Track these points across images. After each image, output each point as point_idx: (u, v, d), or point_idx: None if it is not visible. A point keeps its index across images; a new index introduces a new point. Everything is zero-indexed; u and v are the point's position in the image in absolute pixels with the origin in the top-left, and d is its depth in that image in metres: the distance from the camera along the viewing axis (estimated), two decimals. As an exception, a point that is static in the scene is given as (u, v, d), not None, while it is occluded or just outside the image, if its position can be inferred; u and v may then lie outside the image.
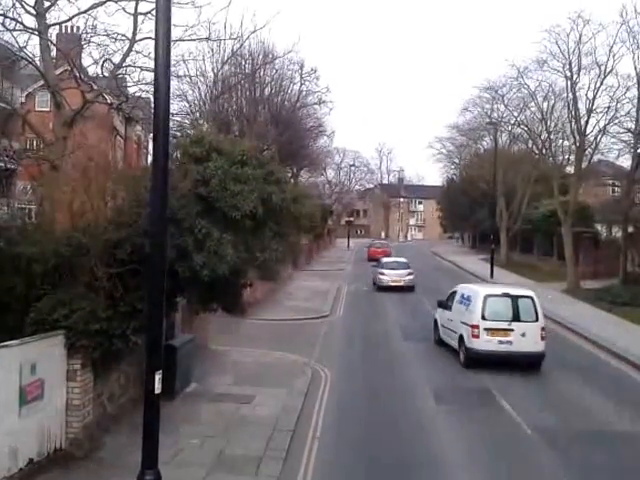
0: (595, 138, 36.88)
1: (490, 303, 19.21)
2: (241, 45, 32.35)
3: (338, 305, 31.78)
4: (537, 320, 18.93)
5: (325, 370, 18.99)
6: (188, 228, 11.77)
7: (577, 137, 35.96)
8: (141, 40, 21.90)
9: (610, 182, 54.35)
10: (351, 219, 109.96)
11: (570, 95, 36.38)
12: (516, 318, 18.79)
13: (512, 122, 42.93)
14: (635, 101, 34.46)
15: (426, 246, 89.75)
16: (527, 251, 54.38)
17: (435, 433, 13.51)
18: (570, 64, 36.11)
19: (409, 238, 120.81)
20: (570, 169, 58.43)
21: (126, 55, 21.73)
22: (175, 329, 16.63)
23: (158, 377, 7.01)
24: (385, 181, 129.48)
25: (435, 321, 22.71)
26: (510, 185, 51.88)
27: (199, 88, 34.81)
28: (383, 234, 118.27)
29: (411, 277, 37.16)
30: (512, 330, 18.65)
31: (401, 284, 36.39)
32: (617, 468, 11.66)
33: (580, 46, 35.61)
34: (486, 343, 18.63)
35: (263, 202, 13.24)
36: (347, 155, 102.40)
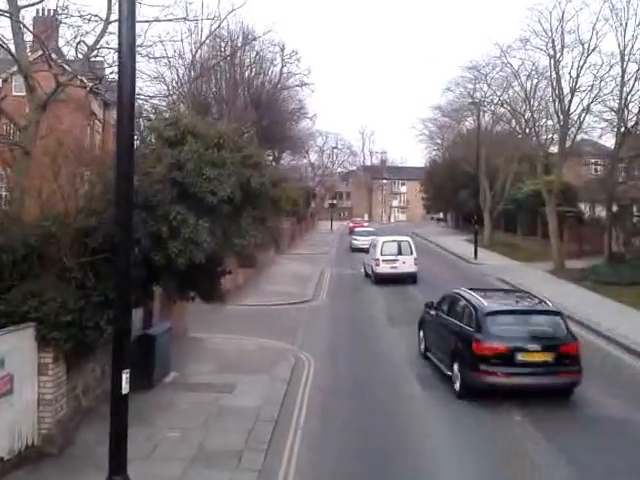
0: (579, 117, 36.66)
1: (385, 245, 33.23)
2: (219, 25, 31.73)
3: (320, 289, 31.43)
4: (412, 254, 32.87)
5: (308, 356, 18.68)
6: (162, 215, 11.34)
7: (561, 116, 35.65)
8: (115, 21, 21.27)
9: (593, 161, 54.61)
10: (334, 202, 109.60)
11: (554, 74, 36.05)
12: (399, 253, 32.88)
13: (495, 102, 42.51)
14: (618, 79, 34.19)
15: (409, 227, 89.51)
16: (510, 231, 54.28)
17: (416, 417, 13.25)
18: (553, 42, 35.76)
19: (392, 220, 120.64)
20: (553, 149, 58.65)
21: (100, 36, 20.99)
22: (153, 317, 16.23)
23: (125, 377, 6.63)
24: (368, 163, 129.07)
25: (363, 264, 36.48)
26: (493, 166, 51.70)
27: (177, 70, 34.25)
28: (366, 216, 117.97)
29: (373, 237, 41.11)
30: (397, 260, 32.65)
31: (367, 246, 40.23)
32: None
33: (563, 24, 35.30)
34: (383, 268, 32.45)
35: (241, 187, 12.84)
36: (329, 137, 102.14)
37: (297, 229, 61.67)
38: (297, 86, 51.94)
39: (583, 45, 34.99)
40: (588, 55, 35.17)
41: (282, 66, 49.96)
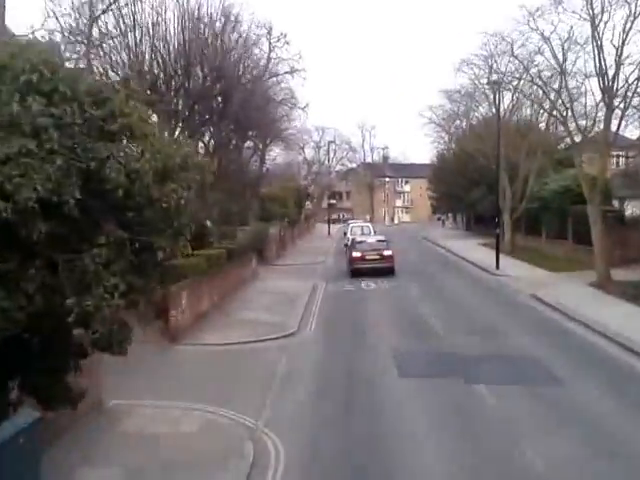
0: (624, 97, 29.41)
1: (353, 228, 49.76)
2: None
3: (310, 315, 24.46)
4: (366, 230, 48.51)
5: (276, 443, 11.95)
6: None
7: (604, 95, 28.52)
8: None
9: (614, 154, 49.17)
10: (333, 202, 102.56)
11: (594, 42, 28.92)
12: (364, 234, 45.46)
13: (521, 77, 35.05)
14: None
15: (415, 230, 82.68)
16: (533, 234, 47.21)
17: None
18: (591, 3, 28.72)
19: (396, 221, 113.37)
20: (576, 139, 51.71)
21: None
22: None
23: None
24: (369, 160, 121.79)
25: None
26: (512, 160, 44.59)
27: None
28: (368, 217, 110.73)
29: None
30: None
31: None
32: None
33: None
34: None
35: (86, 180, 5.92)
36: (326, 133, 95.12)
37: (288, 234, 54.76)
38: (287, 73, 45.19)
39: (630, 5, 27.97)
40: (635, 19, 28.16)
41: (270, 50, 43.57)
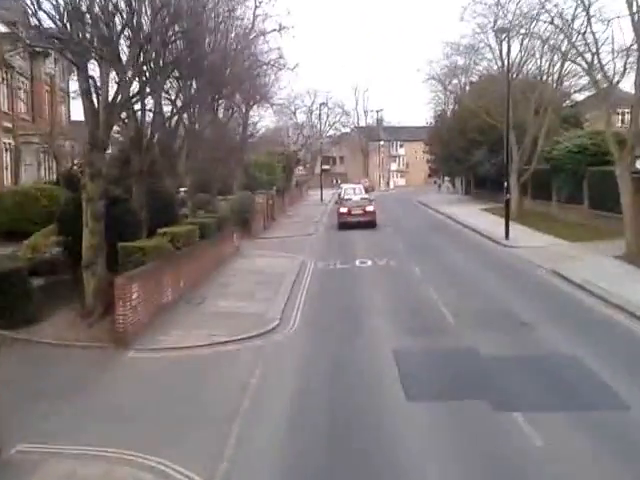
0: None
1: (346, 189, 54.75)
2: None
3: (295, 302, 20.61)
4: (358, 192, 50.75)
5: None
6: None
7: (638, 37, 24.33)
8: None
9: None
10: (326, 167, 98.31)
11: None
12: (355, 195, 48.17)
13: (534, 18, 30.62)
14: None
15: (411, 194, 78.79)
16: (541, 197, 43.40)
17: None
18: None
19: (391, 186, 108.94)
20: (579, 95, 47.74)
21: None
22: None
23: None
24: (362, 124, 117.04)
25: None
26: (520, 118, 40.45)
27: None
28: (367, 181, 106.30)
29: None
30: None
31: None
32: None
33: None
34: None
35: None
36: (318, 96, 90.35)
37: (278, 203, 50.77)
38: (274, 30, 40.73)
39: None
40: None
41: (255, 6, 39.19)
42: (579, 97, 49.34)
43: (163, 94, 24.28)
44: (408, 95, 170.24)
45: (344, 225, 40.80)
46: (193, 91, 25.89)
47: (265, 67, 42.62)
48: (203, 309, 19.69)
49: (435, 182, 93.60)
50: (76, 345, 15.98)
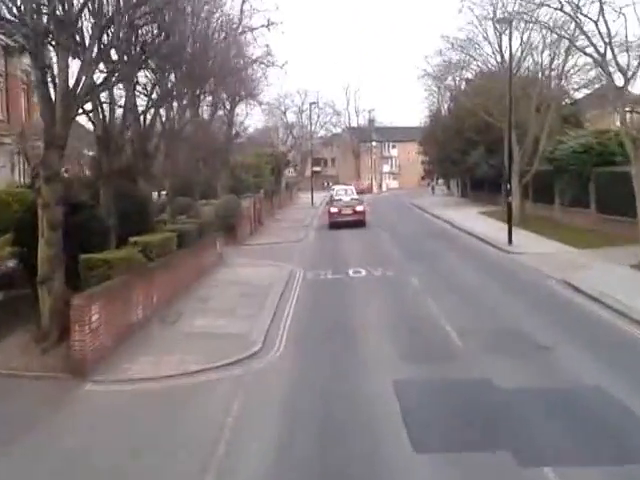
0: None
1: (338, 190, 55.92)
2: None
3: (281, 320, 18.40)
4: (350, 193, 53.57)
5: None
6: None
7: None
8: None
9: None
10: (317, 169, 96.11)
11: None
12: (346, 195, 51.66)
13: (540, 3, 28.31)
14: None
15: (404, 197, 76.73)
16: (542, 201, 41.34)
17: None
18: None
19: (384, 189, 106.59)
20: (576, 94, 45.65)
21: None
22: None
23: None
24: (354, 124, 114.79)
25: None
26: (521, 116, 38.38)
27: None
28: (366, 183, 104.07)
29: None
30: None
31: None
32: None
33: None
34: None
35: None
36: (309, 96, 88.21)
37: (266, 207, 48.56)
38: (262, 26, 38.57)
39: None
40: None
41: (243, 1, 37.08)
42: (578, 96, 47.33)
43: (138, 88, 22.07)
44: (401, 94, 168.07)
45: (334, 225, 42.55)
46: (170, 84, 23.65)
47: (251, 62, 40.58)
48: (177, 329, 17.49)
49: (428, 184, 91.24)
50: (27, 375, 13.80)
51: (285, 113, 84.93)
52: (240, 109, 42.55)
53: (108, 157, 19.26)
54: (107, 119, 19.57)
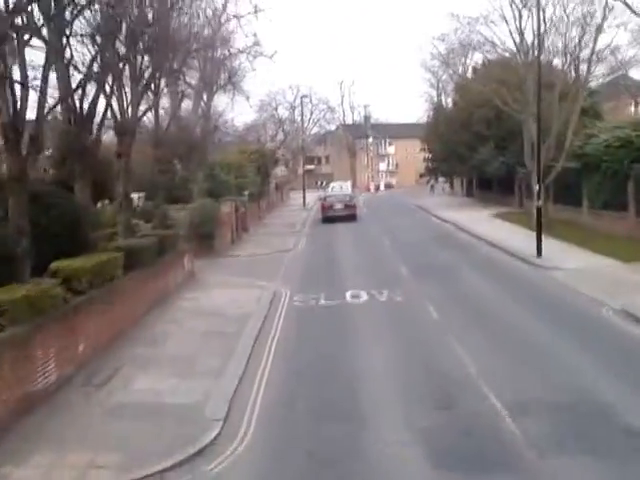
0: None
1: (334, 186, 53.70)
2: None
3: (255, 379, 13.20)
4: (345, 189, 52.52)
5: None
6: None
7: None
8: None
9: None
10: (310, 167, 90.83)
11: None
12: (340, 190, 51.24)
13: None
14: None
15: (403, 196, 71.63)
16: (567, 202, 36.11)
17: None
18: None
19: (382, 188, 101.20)
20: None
21: None
22: None
23: None
24: (349, 121, 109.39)
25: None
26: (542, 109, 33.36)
27: None
28: (349, 183, 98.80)
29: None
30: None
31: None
32: None
33: None
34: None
35: None
36: (301, 91, 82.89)
37: (252, 211, 43.35)
38: (249, 13, 33.50)
39: None
40: None
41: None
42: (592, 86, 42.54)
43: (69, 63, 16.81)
44: (397, 89, 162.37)
45: (327, 219, 45.73)
46: (117, 57, 18.34)
47: (238, 51, 35.54)
48: (103, 398, 12.26)
49: (428, 182, 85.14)
50: None
51: (277, 109, 79.82)
52: (221, 100, 37.32)
53: (18, 154, 14.05)
54: (19, 100, 14.26)
